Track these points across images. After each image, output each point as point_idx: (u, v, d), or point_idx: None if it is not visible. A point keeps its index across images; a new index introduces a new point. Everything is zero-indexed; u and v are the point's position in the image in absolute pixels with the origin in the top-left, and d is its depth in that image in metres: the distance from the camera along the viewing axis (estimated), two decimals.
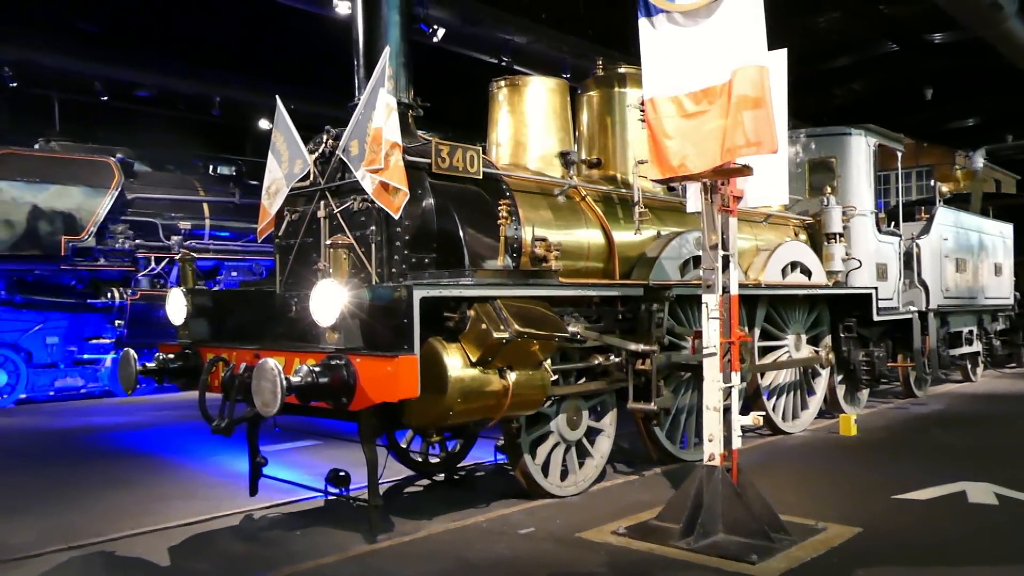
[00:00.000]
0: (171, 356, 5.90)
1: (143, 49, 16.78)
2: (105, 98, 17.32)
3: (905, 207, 11.45)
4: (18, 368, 12.64)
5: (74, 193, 13.04)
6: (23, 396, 12.74)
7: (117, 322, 13.11)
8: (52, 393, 13.10)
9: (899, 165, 11.12)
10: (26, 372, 12.70)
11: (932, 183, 16.31)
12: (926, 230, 11.77)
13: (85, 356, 13.31)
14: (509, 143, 7.18)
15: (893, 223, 10.94)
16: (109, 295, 13.10)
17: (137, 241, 13.66)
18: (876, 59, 18.44)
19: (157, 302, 12.24)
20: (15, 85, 15.80)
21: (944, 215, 12.34)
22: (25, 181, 12.65)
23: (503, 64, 15.04)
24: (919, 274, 11.32)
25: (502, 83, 7.28)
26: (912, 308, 10.65)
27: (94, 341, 13.32)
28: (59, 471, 7.61)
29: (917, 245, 11.39)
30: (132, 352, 5.84)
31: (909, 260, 11.18)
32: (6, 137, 14.45)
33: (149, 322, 12.61)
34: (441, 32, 13.79)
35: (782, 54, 5.38)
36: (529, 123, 7.14)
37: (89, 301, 13.13)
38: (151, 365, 5.84)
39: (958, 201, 15.22)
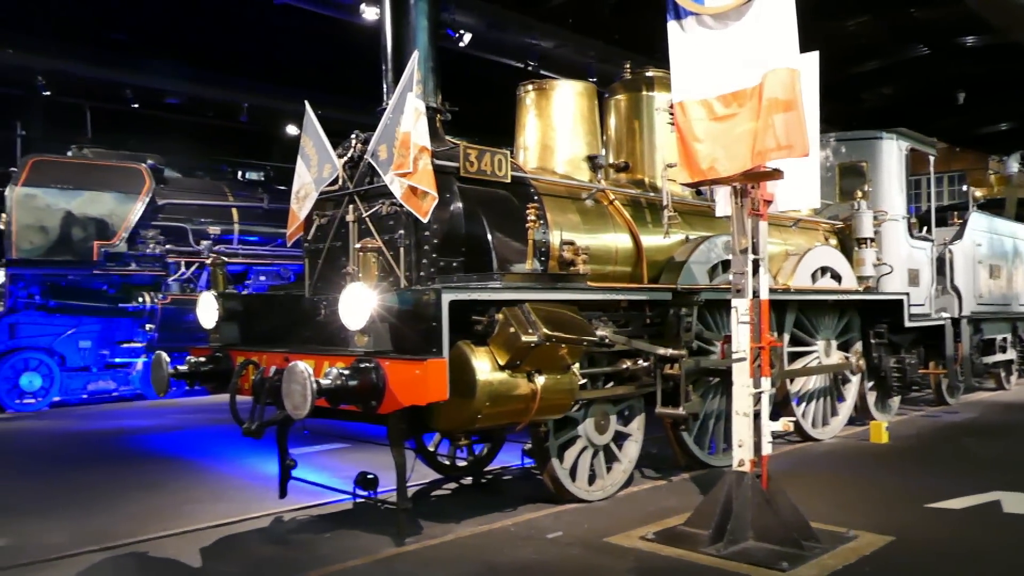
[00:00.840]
0: (202, 359, 5.94)
1: (172, 57, 17.02)
2: (135, 106, 17.60)
3: (938, 212, 11.30)
4: (52, 372, 12.85)
5: (106, 199, 13.29)
6: (57, 399, 12.95)
7: (148, 326, 13.29)
8: (85, 396, 13.31)
9: (931, 169, 10.97)
10: (59, 375, 12.91)
11: (965, 188, 16.11)
12: (959, 235, 11.60)
13: (117, 360, 13.51)
14: (536, 147, 7.18)
15: (925, 228, 10.80)
16: (140, 299, 13.29)
17: (168, 246, 13.85)
18: (906, 63, 18.23)
19: (187, 306, 12.38)
20: (48, 94, 16.10)
21: (977, 220, 12.16)
22: (59, 188, 12.91)
23: (529, 69, 15.07)
24: (952, 280, 11.15)
25: (530, 87, 7.28)
26: (944, 314, 10.50)
27: (126, 345, 13.53)
28: (91, 473, 7.71)
29: (950, 251, 11.23)
30: (164, 355, 5.91)
31: (942, 266, 11.02)
32: (40, 145, 14.76)
33: (179, 326, 12.77)
34: (468, 37, 13.84)
35: (814, 57, 5.33)
36: (557, 127, 7.14)
37: (121, 305, 13.35)
38: (183, 368, 5.89)
39: (992, 206, 14.98)
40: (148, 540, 5.38)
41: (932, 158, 10.86)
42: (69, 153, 13.99)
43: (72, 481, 7.34)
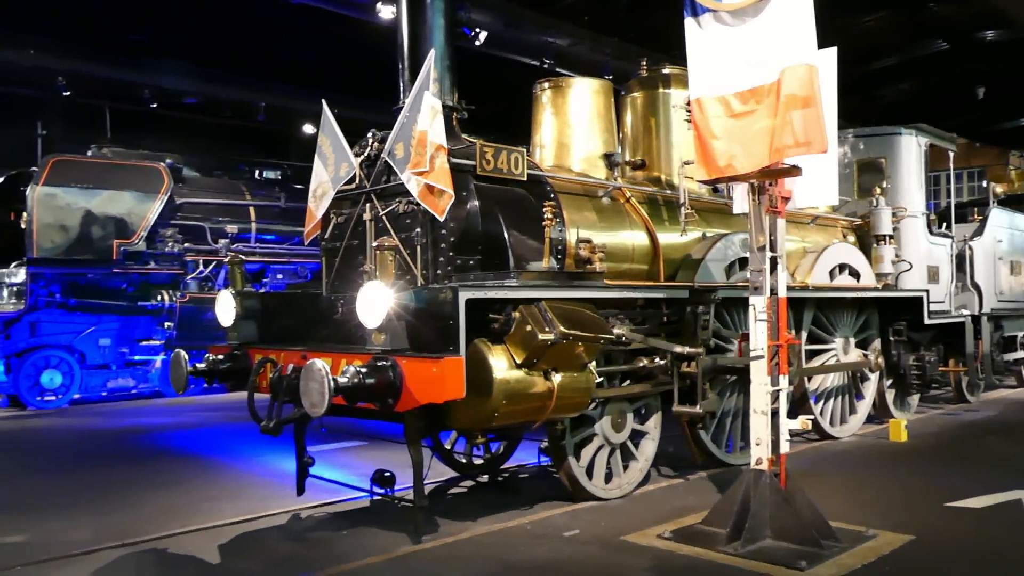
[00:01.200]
0: (220, 357, 5.99)
1: (189, 58, 17.13)
2: (154, 106, 17.70)
3: (957, 208, 11.21)
4: (72, 369, 12.98)
5: (125, 198, 13.40)
6: (77, 396, 13.08)
7: (167, 324, 13.40)
8: (104, 394, 13.43)
9: (951, 165, 10.87)
10: (80, 373, 13.03)
11: (985, 184, 15.97)
12: (979, 232, 11.50)
13: (136, 357, 13.63)
14: (553, 145, 7.17)
15: (945, 225, 10.72)
16: (159, 298, 13.42)
17: (186, 245, 13.95)
18: (925, 58, 18.04)
19: (206, 304, 12.48)
20: (68, 94, 16.23)
21: (998, 216, 12.05)
22: (79, 187, 13.03)
23: (545, 67, 15.05)
24: (972, 277, 11.06)
25: (546, 85, 7.27)
26: (964, 311, 10.41)
27: (145, 343, 13.63)
28: (111, 471, 7.78)
29: (970, 247, 11.14)
30: (183, 353, 5.95)
31: (961, 262, 10.93)
32: (60, 145, 14.90)
33: (198, 324, 12.87)
34: (484, 35, 13.83)
35: (831, 53, 5.29)
36: (573, 125, 7.13)
37: (140, 304, 13.47)
38: (201, 366, 5.93)
39: (1012, 202, 14.84)
40: (167, 537, 5.42)
41: (952, 154, 10.77)
42: (89, 153, 14.12)
43: (92, 478, 7.41)
